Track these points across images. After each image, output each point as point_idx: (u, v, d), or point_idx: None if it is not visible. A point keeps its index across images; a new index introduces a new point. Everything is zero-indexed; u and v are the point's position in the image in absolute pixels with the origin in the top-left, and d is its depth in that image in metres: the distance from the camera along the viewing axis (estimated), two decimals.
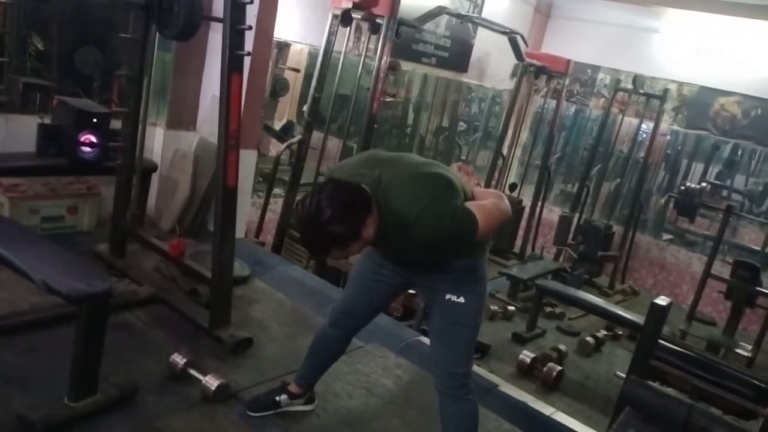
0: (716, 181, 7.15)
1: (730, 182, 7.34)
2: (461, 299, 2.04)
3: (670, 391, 2.36)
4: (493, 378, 3.24)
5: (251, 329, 3.09)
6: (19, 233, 2.58)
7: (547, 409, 3.02)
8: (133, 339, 2.86)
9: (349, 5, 4.24)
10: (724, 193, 7.25)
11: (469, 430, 2.17)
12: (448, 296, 2.04)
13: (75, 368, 2.25)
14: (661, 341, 3.19)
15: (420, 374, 3.06)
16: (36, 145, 3.37)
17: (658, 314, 2.47)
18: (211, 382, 2.52)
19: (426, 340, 3.30)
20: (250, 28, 2.78)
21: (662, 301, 2.53)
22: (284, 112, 7.94)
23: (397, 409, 2.76)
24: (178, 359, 2.61)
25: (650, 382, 2.21)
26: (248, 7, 2.81)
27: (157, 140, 4.13)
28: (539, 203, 6.79)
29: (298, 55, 7.59)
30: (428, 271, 2.10)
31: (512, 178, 7.13)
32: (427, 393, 2.78)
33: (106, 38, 4.20)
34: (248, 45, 2.89)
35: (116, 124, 3.53)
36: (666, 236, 7.52)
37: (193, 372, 2.59)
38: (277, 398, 2.50)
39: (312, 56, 7.19)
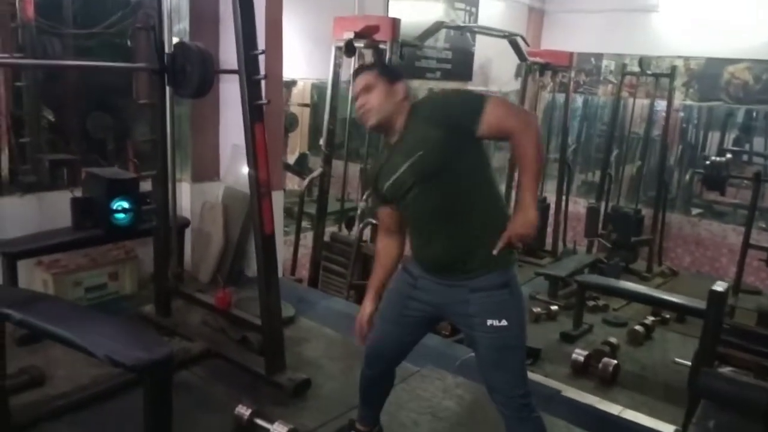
0: (738, 149, 7.08)
1: (749, 146, 7.28)
2: (504, 322, 1.97)
3: (744, 377, 2.32)
4: (554, 384, 3.21)
5: (307, 370, 3.11)
6: (70, 310, 2.61)
7: (614, 408, 2.99)
8: (193, 396, 2.88)
9: (351, 35, 4.28)
10: (744, 157, 7.18)
11: None
12: (490, 322, 1.97)
13: None
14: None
15: (481, 391, 2.99)
16: (72, 219, 3.45)
17: (717, 300, 2.44)
18: (280, 429, 2.54)
19: None
20: (266, 77, 2.82)
21: (720, 287, 2.50)
22: (296, 146, 8.02)
23: (465, 430, 2.75)
24: (243, 411, 2.63)
25: (723, 371, 2.18)
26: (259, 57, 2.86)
27: (184, 195, 4.19)
28: (563, 197, 6.76)
29: (302, 90, 7.68)
30: (455, 264, 2.01)
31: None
32: (492, 409, 2.73)
33: (115, 102, 4.29)
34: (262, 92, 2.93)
35: (144, 185, 3.60)
36: (696, 211, 7.45)
37: (259, 421, 2.60)
38: None
39: (317, 88, 7.28)
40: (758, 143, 7.21)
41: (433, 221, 2.03)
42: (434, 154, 1.95)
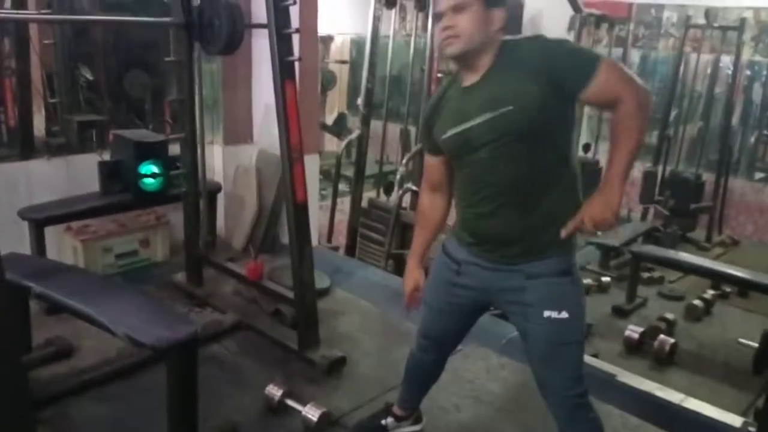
0: None
1: None
2: (564, 314, 1.71)
3: None
4: (608, 367, 2.97)
5: (342, 345, 2.95)
6: (92, 283, 2.50)
7: (674, 396, 2.74)
8: (223, 372, 2.76)
9: None
10: None
11: None
12: (547, 314, 1.72)
13: (172, 418, 2.15)
14: None
15: (528, 373, 2.79)
16: (99, 183, 3.32)
17: None
18: (312, 412, 2.38)
19: None
20: (298, 31, 2.58)
21: None
22: (334, 105, 7.80)
23: (511, 416, 2.54)
24: (275, 391, 2.48)
25: None
26: (291, 9, 2.62)
27: (216, 159, 4.02)
28: None
29: (340, 46, 7.41)
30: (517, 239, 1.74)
31: (584, 138, 6.68)
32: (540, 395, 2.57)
33: (152, 60, 4.13)
34: (295, 47, 2.70)
35: (174, 148, 3.44)
36: (759, 175, 6.96)
37: (291, 403, 2.45)
38: (383, 422, 2.33)
39: (355, 44, 7.00)
40: None
41: (502, 190, 1.71)
42: (527, 114, 1.61)
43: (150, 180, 3.32)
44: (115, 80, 3.97)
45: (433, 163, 1.93)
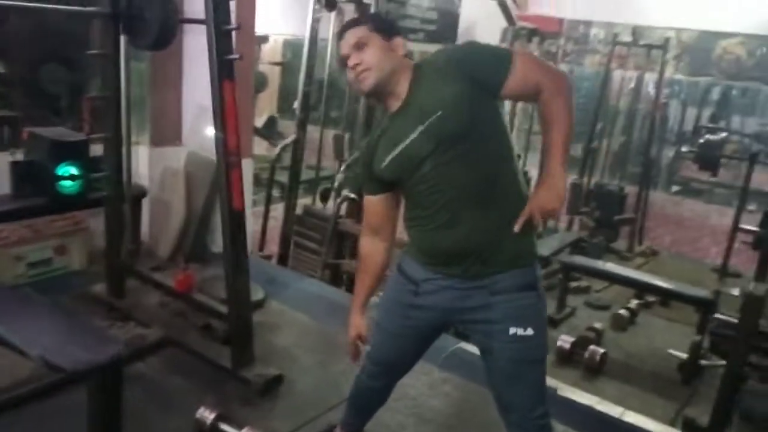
0: (713, 125, 6.87)
1: (725, 124, 7.10)
2: (529, 331, 1.67)
3: None
4: (548, 381, 2.96)
5: (278, 362, 2.80)
6: (4, 298, 2.25)
7: (615, 410, 2.76)
8: (148, 394, 2.55)
9: None
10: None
11: None
12: (513, 330, 1.67)
13: None
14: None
15: (469, 388, 2.78)
16: (11, 185, 3.02)
17: (755, 307, 2.11)
18: None
19: (468, 347, 3.02)
20: (239, 27, 2.42)
21: (758, 290, 2.19)
22: (264, 108, 7.59)
23: None
24: (206, 414, 2.31)
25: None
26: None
27: (141, 161, 3.76)
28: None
29: (273, 47, 7.22)
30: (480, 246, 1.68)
31: (515, 148, 6.78)
32: (482, 410, 2.52)
33: (71, 54, 3.84)
34: None
35: (96, 148, 3.18)
36: (675, 188, 7.31)
37: (224, 427, 2.29)
38: None
39: (291, 46, 6.83)
40: (736, 123, 7.07)
41: (455, 200, 1.66)
42: (458, 114, 1.62)
43: (68, 182, 3.03)
44: (30, 74, 3.66)
45: (372, 203, 1.87)
